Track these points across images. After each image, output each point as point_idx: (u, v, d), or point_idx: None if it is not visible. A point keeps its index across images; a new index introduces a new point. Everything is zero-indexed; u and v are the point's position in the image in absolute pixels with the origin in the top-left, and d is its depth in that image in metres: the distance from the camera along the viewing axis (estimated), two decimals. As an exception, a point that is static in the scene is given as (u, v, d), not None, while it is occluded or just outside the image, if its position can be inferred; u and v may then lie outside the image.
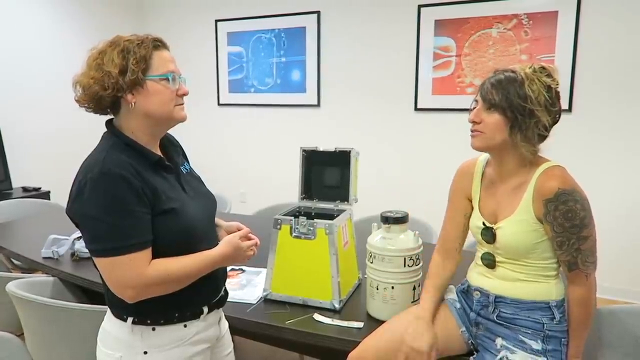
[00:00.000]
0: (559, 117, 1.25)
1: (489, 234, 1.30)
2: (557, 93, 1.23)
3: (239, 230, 1.26)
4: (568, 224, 1.18)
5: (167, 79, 1.11)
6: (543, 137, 1.25)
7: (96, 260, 1.05)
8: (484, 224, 1.32)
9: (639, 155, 3.19)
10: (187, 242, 1.11)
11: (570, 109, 3.27)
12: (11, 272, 2.33)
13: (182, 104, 1.16)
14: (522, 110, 1.20)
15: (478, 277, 1.36)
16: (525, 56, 3.37)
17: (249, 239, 1.23)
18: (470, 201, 1.40)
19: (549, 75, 1.22)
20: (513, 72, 1.23)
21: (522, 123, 1.20)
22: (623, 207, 3.25)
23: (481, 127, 1.26)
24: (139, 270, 1.03)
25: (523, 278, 1.27)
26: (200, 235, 1.16)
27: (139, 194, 1.03)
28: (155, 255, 1.07)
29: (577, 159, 3.25)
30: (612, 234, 3.22)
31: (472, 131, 1.29)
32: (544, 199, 1.19)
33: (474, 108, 1.29)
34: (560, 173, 1.21)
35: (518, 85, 1.20)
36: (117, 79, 1.05)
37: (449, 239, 1.44)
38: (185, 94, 1.16)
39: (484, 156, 1.39)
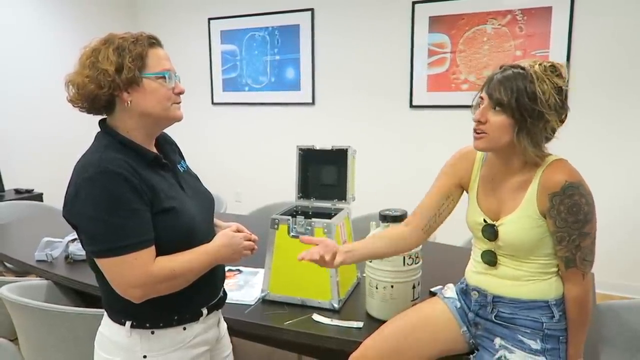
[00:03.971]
0: (566, 117, 1.21)
1: (490, 231, 1.27)
2: (565, 93, 1.18)
3: (238, 231, 1.24)
4: (571, 218, 1.15)
5: (164, 77, 1.09)
6: (548, 139, 1.21)
7: (99, 261, 1.02)
8: (485, 220, 1.30)
9: (634, 150, 3.20)
10: (186, 241, 1.10)
11: (564, 105, 3.28)
12: (4, 275, 2.30)
13: (179, 102, 1.15)
14: (532, 112, 1.14)
15: (476, 276, 1.34)
16: (520, 52, 3.37)
17: (247, 238, 1.21)
18: (461, 187, 1.36)
19: (560, 76, 1.16)
20: (522, 69, 1.17)
21: (530, 126, 1.15)
22: (620, 202, 3.26)
23: (486, 127, 1.20)
24: (145, 269, 1.01)
25: (523, 276, 1.25)
26: (200, 234, 1.14)
27: (138, 192, 1.02)
28: None
29: (571, 154, 3.24)
30: (609, 229, 3.23)
31: (475, 131, 1.23)
32: (550, 192, 1.16)
33: (479, 105, 1.23)
34: (566, 166, 1.18)
35: (528, 84, 1.14)
36: (113, 77, 1.03)
37: (419, 211, 1.38)
38: (181, 92, 1.14)
39: None
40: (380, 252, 1.36)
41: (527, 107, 1.14)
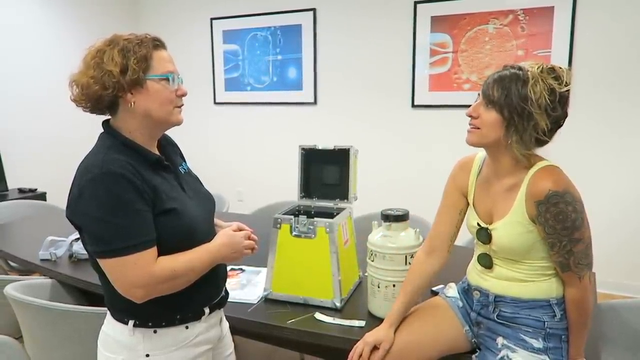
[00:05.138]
0: (563, 121, 1.20)
1: (484, 235, 1.28)
2: (563, 97, 1.17)
3: (239, 230, 1.25)
4: (559, 226, 1.15)
5: (167, 79, 1.10)
6: (542, 142, 1.21)
7: (102, 261, 1.03)
8: (478, 224, 1.31)
9: (636, 150, 3.20)
10: (187, 241, 1.10)
11: (567, 104, 3.27)
12: (8, 274, 2.31)
13: (181, 105, 1.15)
14: (520, 112, 1.16)
15: (477, 277, 1.35)
16: (522, 52, 3.37)
17: (248, 236, 1.22)
18: (466, 197, 1.38)
19: (557, 78, 1.16)
20: (520, 69, 1.18)
21: (518, 124, 1.16)
22: (621, 202, 3.26)
23: (478, 122, 1.23)
24: (147, 269, 1.02)
25: (522, 278, 1.25)
26: (200, 235, 1.15)
27: (140, 193, 1.02)
28: None
29: (574, 154, 3.26)
30: (611, 228, 3.24)
31: (469, 125, 1.26)
32: (535, 200, 1.17)
33: (476, 102, 1.25)
34: (552, 173, 1.18)
35: (521, 84, 1.15)
36: (118, 78, 1.04)
37: (439, 235, 1.39)
38: (184, 95, 1.15)
39: (483, 152, 1.37)
40: (419, 300, 1.44)
41: (517, 106, 1.16)
